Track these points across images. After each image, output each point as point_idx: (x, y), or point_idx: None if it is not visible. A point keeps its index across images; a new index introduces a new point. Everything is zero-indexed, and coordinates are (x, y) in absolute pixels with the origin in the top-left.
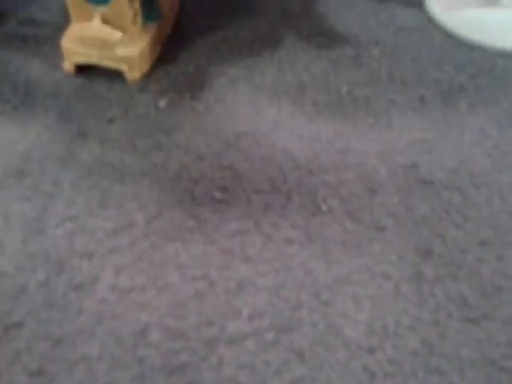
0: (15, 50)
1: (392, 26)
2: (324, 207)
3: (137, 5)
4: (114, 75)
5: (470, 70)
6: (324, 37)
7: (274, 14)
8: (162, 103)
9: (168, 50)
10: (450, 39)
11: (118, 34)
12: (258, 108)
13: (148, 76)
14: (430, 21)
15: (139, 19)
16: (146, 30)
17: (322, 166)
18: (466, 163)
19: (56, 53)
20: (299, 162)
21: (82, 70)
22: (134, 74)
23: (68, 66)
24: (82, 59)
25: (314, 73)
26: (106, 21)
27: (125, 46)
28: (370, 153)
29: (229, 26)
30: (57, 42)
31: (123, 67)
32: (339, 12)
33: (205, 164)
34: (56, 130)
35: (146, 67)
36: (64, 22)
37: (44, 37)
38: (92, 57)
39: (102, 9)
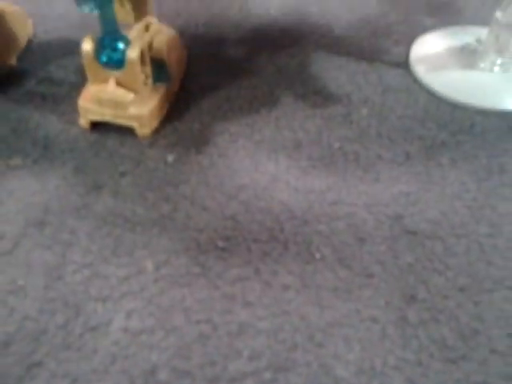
0: (35, 107)
1: (380, 86)
2: (318, 255)
3: (148, 69)
4: (126, 131)
5: (451, 128)
6: (318, 95)
7: (271, 74)
8: (170, 158)
9: (175, 108)
10: (433, 98)
11: (130, 95)
12: (257, 162)
13: (157, 132)
14: (415, 81)
15: (150, 81)
16: (156, 89)
17: (316, 217)
18: (447, 215)
19: (72, 110)
20: (295, 213)
21: (97, 126)
22: (144, 130)
23: (83, 122)
24: (96, 117)
25: (308, 129)
26: (119, 83)
27: (136, 105)
28: (358, 204)
29: (231, 85)
30: (73, 99)
31: (134, 124)
32: (332, 72)
33: (209, 215)
34: (72, 183)
35: (155, 124)
36: (80, 80)
37: (61, 95)
38: (106, 115)
39: (117, 73)
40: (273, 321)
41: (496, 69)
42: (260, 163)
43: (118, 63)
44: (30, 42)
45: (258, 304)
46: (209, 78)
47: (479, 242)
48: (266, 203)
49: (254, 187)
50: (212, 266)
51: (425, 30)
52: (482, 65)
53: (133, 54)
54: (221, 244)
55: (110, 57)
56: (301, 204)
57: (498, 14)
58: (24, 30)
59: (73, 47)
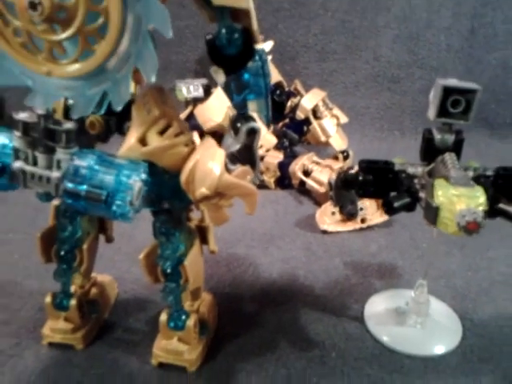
0: (122, 350)
1: (344, 335)
2: None
3: (196, 330)
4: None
5: (388, 368)
6: (303, 342)
7: (274, 325)
8: None
9: (210, 350)
10: (378, 345)
11: (186, 347)
12: None
13: (199, 369)
14: (367, 332)
15: (198, 336)
16: (200, 340)
17: None
18: None
19: (146, 352)
20: None
21: (163, 365)
22: (191, 369)
23: (154, 363)
24: (163, 360)
25: (297, 367)
26: (180, 338)
27: (188, 352)
28: None
29: (246, 334)
30: (147, 344)
31: (187, 365)
32: (313, 324)
33: None
34: None
35: (198, 363)
36: (150, 329)
37: (138, 341)
38: (170, 359)
39: (179, 333)
40: None
41: (418, 326)
42: None
43: (181, 328)
44: (115, 300)
45: None
46: (232, 328)
47: None
48: None
49: None
50: None
51: (375, 290)
52: (409, 322)
53: (190, 323)
54: None
55: (176, 324)
56: None
57: (412, 294)
58: (113, 292)
59: (144, 303)
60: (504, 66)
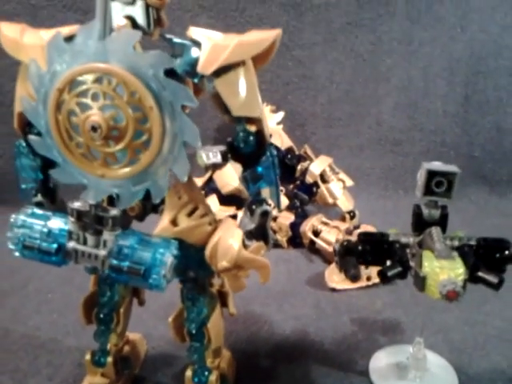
0: None
1: None
2: None
3: None
4: None
5: None
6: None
7: (287, 379)
8: None
9: None
10: None
11: None
12: None
13: None
14: None
15: None
16: None
17: None
18: None
19: None
20: None
21: None
22: None
23: None
24: None
25: None
26: None
27: None
28: None
29: None
30: None
31: None
32: (322, 379)
33: None
34: None
35: None
36: None
37: None
38: None
39: None
40: None
41: (417, 380)
42: None
43: (204, 383)
44: (145, 356)
45: None
46: (249, 382)
47: None
48: None
49: None
50: None
51: (380, 345)
52: (409, 376)
53: (212, 378)
54: None
55: (200, 379)
56: None
57: (411, 350)
58: (143, 348)
59: (171, 359)
60: (497, 128)
